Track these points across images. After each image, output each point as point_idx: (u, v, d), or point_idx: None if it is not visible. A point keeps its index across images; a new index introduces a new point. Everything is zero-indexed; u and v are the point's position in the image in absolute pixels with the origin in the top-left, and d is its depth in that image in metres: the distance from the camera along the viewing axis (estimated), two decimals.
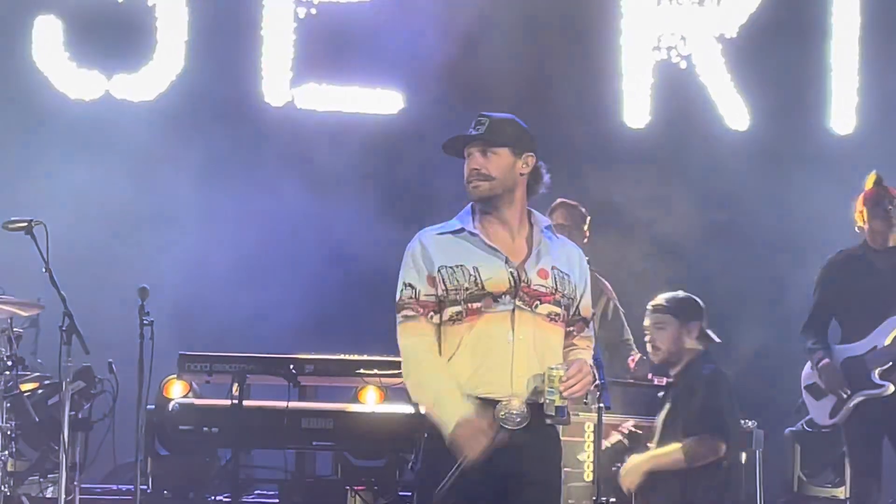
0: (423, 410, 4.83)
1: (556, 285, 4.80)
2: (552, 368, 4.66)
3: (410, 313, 4.85)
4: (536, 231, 4.90)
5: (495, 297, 4.74)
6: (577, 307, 4.91)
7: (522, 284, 4.75)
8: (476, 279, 4.76)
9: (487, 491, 4.71)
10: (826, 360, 7.59)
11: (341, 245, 10.34)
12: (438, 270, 4.81)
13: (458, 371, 4.75)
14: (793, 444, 9.18)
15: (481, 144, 4.87)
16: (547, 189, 5.04)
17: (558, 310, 4.79)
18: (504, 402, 4.69)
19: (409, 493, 7.94)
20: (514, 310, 4.73)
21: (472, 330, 4.76)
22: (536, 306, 4.74)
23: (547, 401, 4.68)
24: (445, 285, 4.79)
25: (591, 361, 4.83)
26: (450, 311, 4.80)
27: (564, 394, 4.65)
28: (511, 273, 4.77)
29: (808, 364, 7.79)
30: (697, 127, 11.05)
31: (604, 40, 11.09)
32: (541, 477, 4.75)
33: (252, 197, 10.43)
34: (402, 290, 4.89)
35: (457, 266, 4.80)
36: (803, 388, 7.89)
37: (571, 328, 4.92)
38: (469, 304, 4.76)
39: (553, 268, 4.82)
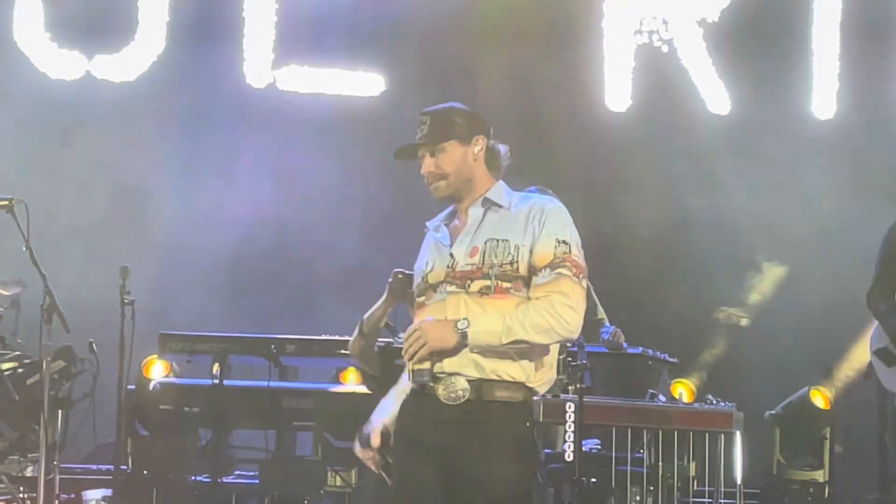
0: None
1: (484, 258, 4.71)
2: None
3: None
4: (475, 209, 4.84)
5: (434, 288, 4.78)
6: (524, 263, 4.74)
7: (448, 269, 4.76)
8: (424, 274, 4.84)
9: (428, 463, 4.76)
10: None
11: (323, 226, 10.33)
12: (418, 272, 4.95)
13: None
14: (773, 427, 9.21)
15: (429, 146, 4.87)
16: (507, 161, 4.91)
17: (488, 282, 4.68)
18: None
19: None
20: (446, 297, 4.73)
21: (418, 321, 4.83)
22: (469, 286, 4.70)
23: None
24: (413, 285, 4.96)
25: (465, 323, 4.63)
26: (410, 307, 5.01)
27: (406, 360, 4.72)
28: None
29: (876, 328, 7.45)
30: (679, 111, 11.05)
31: (586, 23, 11.08)
32: (474, 453, 4.69)
33: (233, 178, 10.41)
34: None
35: (422, 263, 4.90)
36: (872, 352, 7.53)
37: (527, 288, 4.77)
38: (418, 299, 4.86)
39: (488, 241, 4.74)
